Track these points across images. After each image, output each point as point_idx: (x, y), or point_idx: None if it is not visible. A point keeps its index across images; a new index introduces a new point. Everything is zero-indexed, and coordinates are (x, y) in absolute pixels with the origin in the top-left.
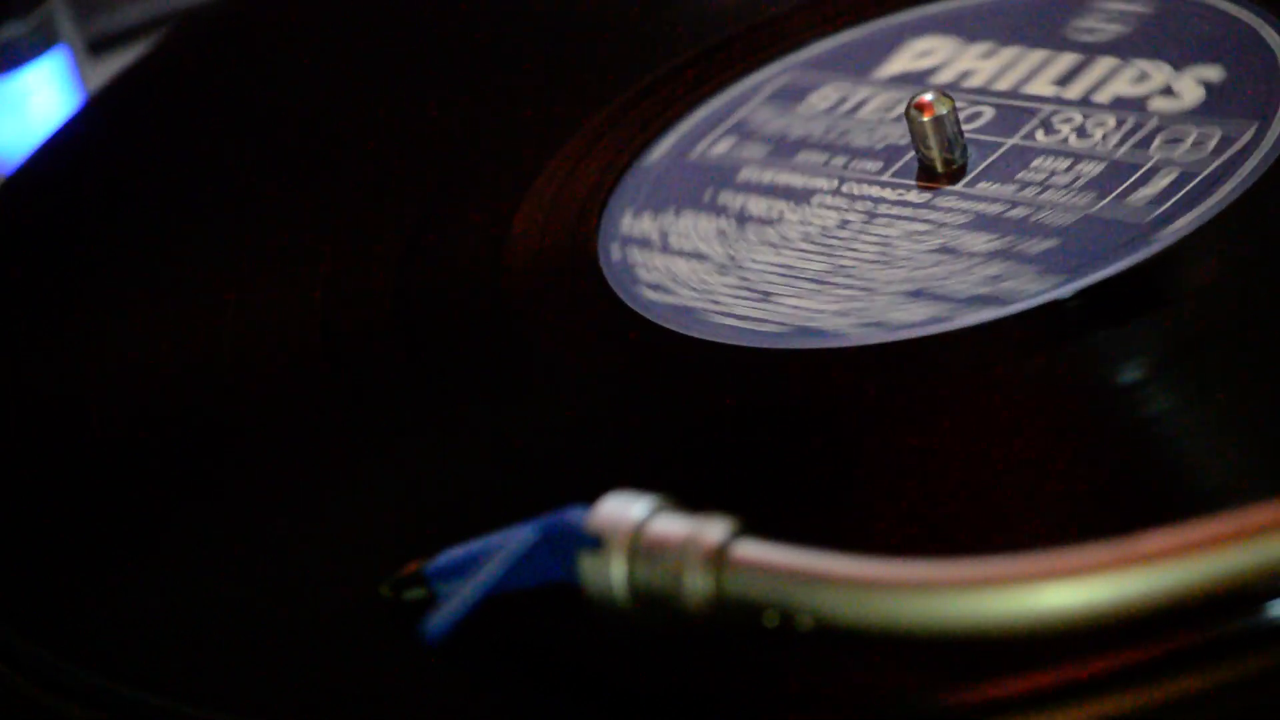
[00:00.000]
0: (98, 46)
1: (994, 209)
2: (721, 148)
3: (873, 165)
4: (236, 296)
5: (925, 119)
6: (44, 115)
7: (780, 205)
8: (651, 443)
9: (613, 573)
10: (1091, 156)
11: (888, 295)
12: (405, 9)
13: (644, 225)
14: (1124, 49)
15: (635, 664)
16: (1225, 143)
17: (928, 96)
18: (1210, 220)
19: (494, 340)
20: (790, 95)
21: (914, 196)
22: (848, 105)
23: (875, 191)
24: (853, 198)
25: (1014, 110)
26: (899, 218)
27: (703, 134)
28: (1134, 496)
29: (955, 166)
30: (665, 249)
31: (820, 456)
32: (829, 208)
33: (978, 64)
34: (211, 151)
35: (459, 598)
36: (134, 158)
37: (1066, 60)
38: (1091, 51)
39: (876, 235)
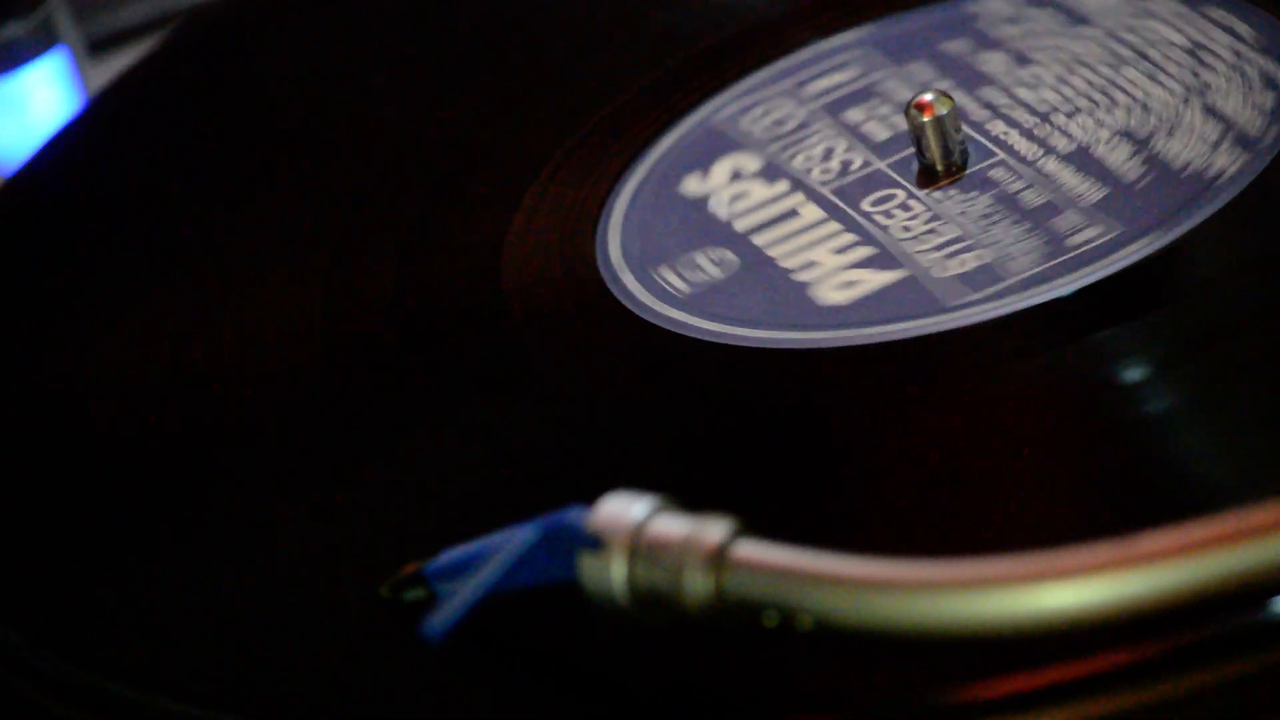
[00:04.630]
0: (98, 46)
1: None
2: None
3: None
4: (237, 296)
5: (926, 119)
6: (44, 115)
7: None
8: (651, 443)
9: (613, 573)
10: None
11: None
12: (405, 9)
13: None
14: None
15: (635, 664)
16: None
17: (928, 97)
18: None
19: (494, 340)
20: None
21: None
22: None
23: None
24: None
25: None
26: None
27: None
28: (1134, 496)
29: (956, 166)
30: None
31: (820, 456)
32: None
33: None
34: (212, 152)
35: (459, 598)
36: (134, 158)
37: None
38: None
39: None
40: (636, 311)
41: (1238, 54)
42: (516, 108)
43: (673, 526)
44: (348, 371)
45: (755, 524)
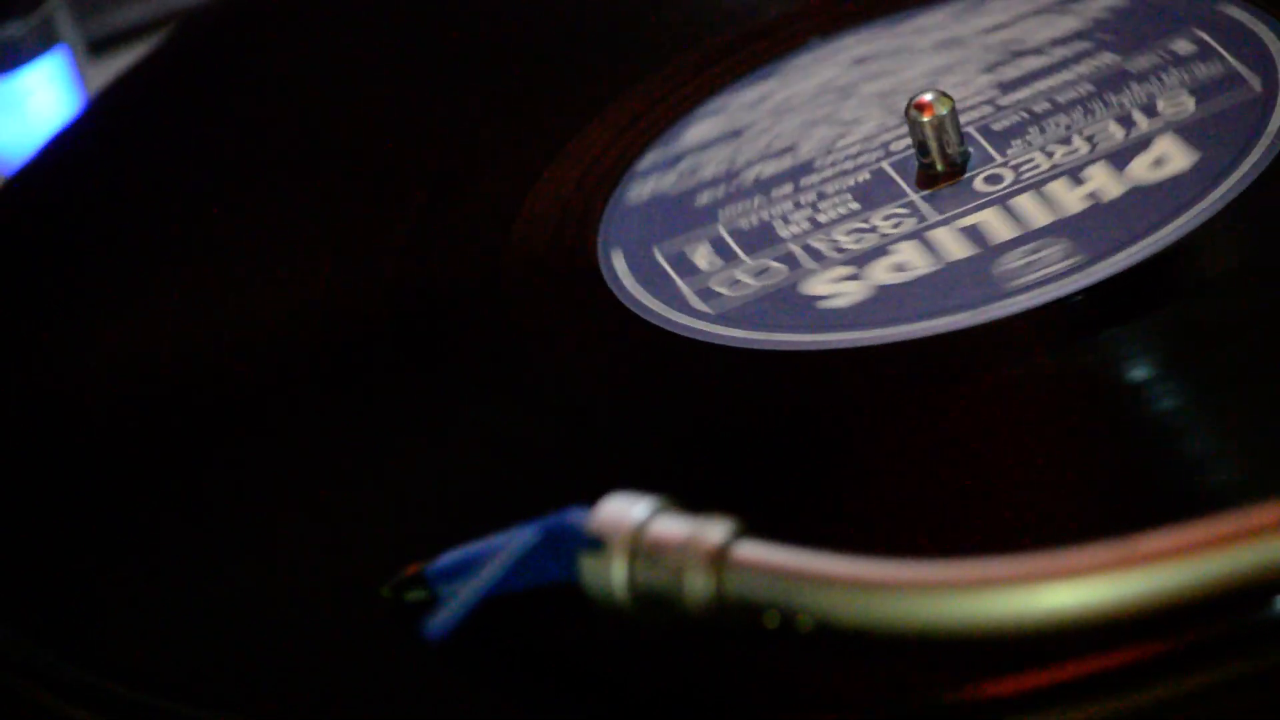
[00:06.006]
0: (98, 46)
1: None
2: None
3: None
4: (237, 296)
5: (925, 119)
6: (44, 115)
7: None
8: (652, 443)
9: (613, 574)
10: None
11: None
12: (405, 9)
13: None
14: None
15: (635, 664)
16: None
17: (927, 97)
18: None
19: (494, 340)
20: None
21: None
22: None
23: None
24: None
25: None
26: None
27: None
28: (1134, 496)
29: (956, 166)
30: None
31: (820, 456)
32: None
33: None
34: (212, 151)
35: (460, 599)
36: (134, 158)
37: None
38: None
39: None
40: (637, 311)
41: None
42: (518, 106)
43: (673, 527)
44: (348, 371)
45: (756, 525)
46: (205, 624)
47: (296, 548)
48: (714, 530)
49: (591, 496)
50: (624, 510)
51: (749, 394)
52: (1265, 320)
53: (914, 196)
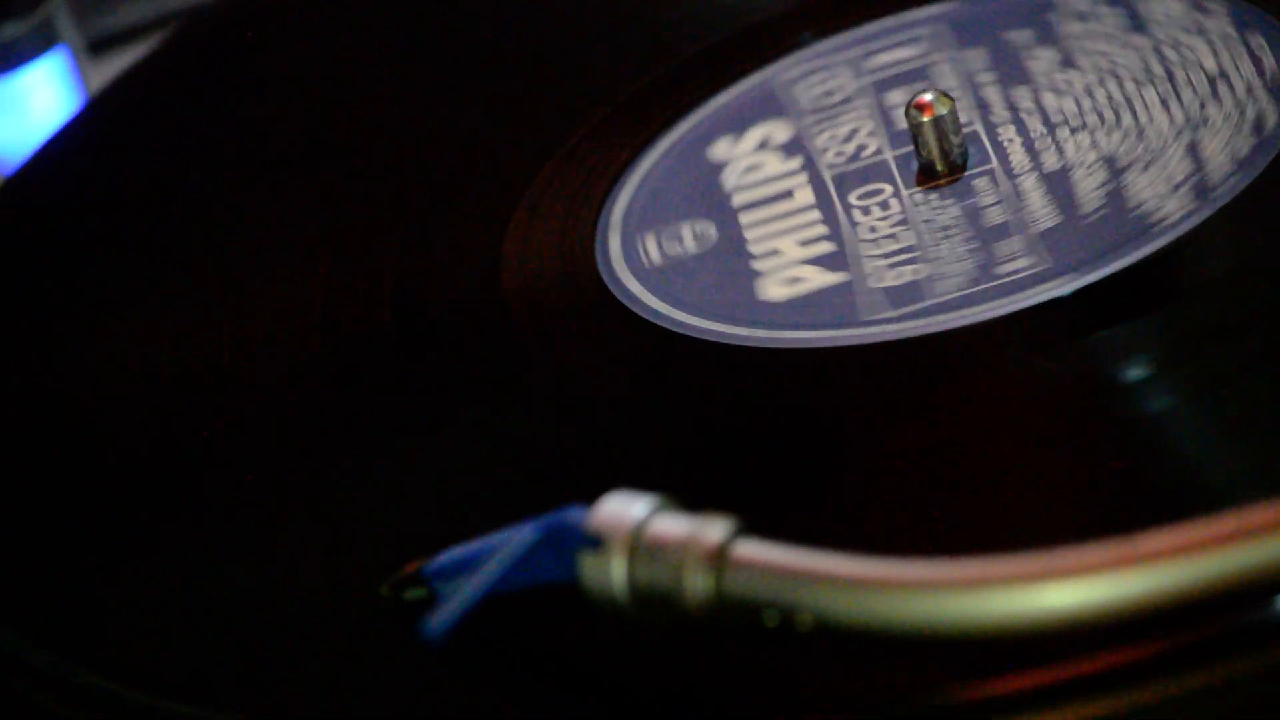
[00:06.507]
0: (98, 46)
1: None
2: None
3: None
4: (237, 296)
5: (925, 119)
6: (44, 115)
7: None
8: (651, 442)
9: (613, 572)
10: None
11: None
12: (405, 10)
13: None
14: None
15: (635, 664)
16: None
17: (927, 97)
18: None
19: (494, 340)
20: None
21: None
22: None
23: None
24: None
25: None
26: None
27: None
28: (1134, 496)
29: (957, 166)
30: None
31: (820, 456)
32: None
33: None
34: (212, 152)
35: (459, 597)
36: (134, 158)
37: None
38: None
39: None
40: (637, 311)
41: (1250, 90)
42: (516, 108)
43: (673, 526)
44: (348, 371)
45: (755, 523)
46: (205, 624)
47: (296, 548)
48: (713, 529)
49: (591, 495)
50: (623, 509)
51: (749, 393)
52: (1265, 320)
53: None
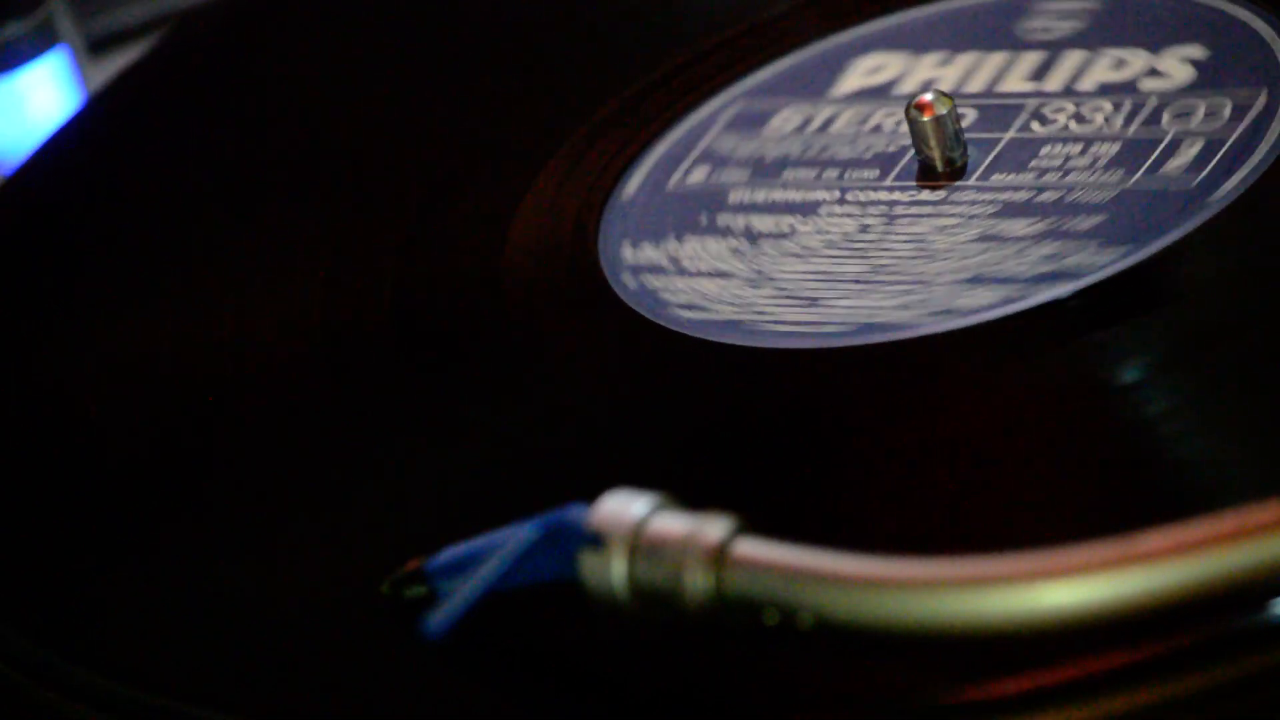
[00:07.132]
0: (98, 46)
1: (1020, 196)
2: (698, 176)
3: (870, 173)
4: (236, 296)
5: (926, 119)
6: (44, 115)
7: (788, 219)
8: (652, 441)
9: (613, 571)
10: (1102, 138)
11: (945, 285)
12: (405, 9)
13: (648, 253)
14: (1088, 41)
15: (635, 664)
16: (1240, 110)
17: (927, 97)
18: (1257, 181)
19: (494, 340)
20: (749, 121)
21: (928, 195)
22: (816, 124)
23: (884, 196)
24: (863, 204)
25: (997, 108)
26: (922, 215)
27: (672, 166)
28: (1134, 496)
29: (957, 165)
30: (683, 272)
31: (820, 455)
32: (842, 215)
33: (938, 71)
34: (211, 152)
35: (459, 595)
36: (134, 158)
37: (1031, 58)
38: (1054, 47)
39: (905, 234)
40: (637, 310)
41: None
42: (516, 107)
43: (673, 524)
44: (348, 370)
45: (755, 522)
46: (205, 624)
47: (296, 548)
48: (714, 527)
49: (591, 494)
50: (624, 507)
51: (749, 392)
52: (1265, 320)
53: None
